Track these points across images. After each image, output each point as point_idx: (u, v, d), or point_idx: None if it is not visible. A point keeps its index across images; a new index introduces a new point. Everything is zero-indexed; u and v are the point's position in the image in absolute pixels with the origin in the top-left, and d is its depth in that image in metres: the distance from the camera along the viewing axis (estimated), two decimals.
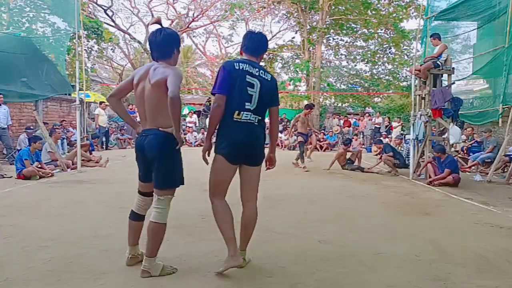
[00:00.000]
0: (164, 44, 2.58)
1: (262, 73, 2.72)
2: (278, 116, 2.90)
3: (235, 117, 2.61)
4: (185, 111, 20.64)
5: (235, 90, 2.60)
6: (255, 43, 2.82)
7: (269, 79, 2.74)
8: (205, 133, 14.81)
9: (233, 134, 2.63)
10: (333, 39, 22.08)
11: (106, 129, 14.03)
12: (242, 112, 2.61)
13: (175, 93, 2.36)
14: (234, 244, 2.63)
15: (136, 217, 2.76)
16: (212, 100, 2.65)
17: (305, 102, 20.00)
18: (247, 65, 2.68)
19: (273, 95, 2.79)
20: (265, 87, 2.70)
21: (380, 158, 8.73)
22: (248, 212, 2.76)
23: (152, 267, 2.61)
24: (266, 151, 2.85)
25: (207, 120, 2.68)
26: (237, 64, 2.66)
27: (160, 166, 2.55)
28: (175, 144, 2.55)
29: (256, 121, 2.67)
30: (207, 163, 2.69)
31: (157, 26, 2.64)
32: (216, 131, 2.70)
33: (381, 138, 9.86)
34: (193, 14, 23.41)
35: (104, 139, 13.81)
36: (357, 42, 21.96)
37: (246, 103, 2.62)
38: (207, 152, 2.70)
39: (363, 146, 14.74)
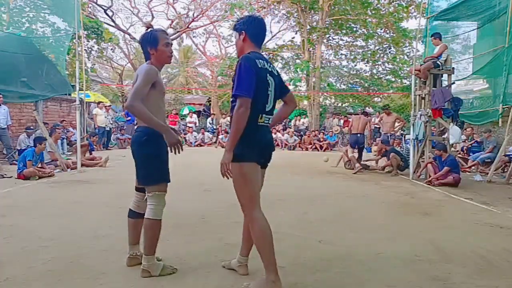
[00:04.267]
0: (141, 47, 2.75)
1: (272, 67, 2.49)
2: (295, 104, 2.70)
3: (259, 121, 2.39)
4: (185, 111, 20.65)
5: (259, 92, 2.34)
6: (264, 31, 2.54)
7: (277, 73, 2.52)
8: (206, 132, 14.85)
9: (259, 138, 2.41)
10: (333, 39, 22.10)
11: (106, 129, 14.04)
12: (263, 115, 2.41)
13: (129, 102, 2.47)
14: (276, 268, 2.36)
15: (134, 215, 2.78)
16: (237, 103, 2.29)
17: (305, 102, 20.05)
18: (264, 61, 2.42)
19: (282, 87, 2.57)
20: (277, 84, 2.49)
21: (388, 158, 8.74)
22: None
23: (152, 266, 2.62)
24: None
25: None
26: (258, 61, 2.37)
27: (136, 163, 2.65)
28: (153, 141, 2.57)
29: (270, 122, 2.51)
30: (229, 176, 2.34)
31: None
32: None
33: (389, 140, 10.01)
34: (193, 14, 23.42)
35: (105, 139, 13.82)
36: (357, 41, 21.97)
37: (266, 105, 2.43)
38: (229, 164, 2.32)
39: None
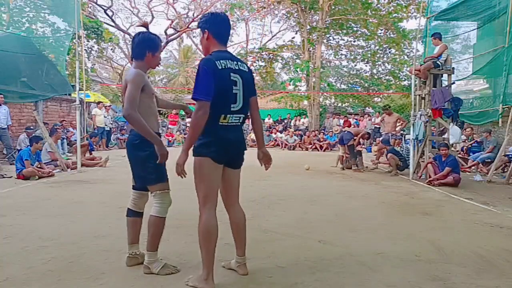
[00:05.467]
0: (138, 45, 2.68)
1: (240, 65, 2.45)
2: (258, 109, 2.64)
3: (220, 121, 2.37)
4: None
5: (220, 93, 2.34)
6: (227, 29, 2.50)
7: (247, 70, 2.49)
8: None
9: (219, 134, 2.39)
10: (333, 39, 22.09)
11: (106, 129, 14.04)
12: (228, 116, 2.38)
13: (126, 111, 2.48)
14: (211, 268, 2.43)
15: (132, 214, 2.80)
16: (196, 106, 2.31)
17: (305, 102, 20.05)
18: (228, 60, 2.39)
19: (252, 86, 2.54)
20: (246, 81, 2.45)
21: (386, 156, 8.75)
22: (237, 215, 2.63)
23: (152, 262, 2.64)
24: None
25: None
26: (219, 62, 2.34)
27: (131, 165, 2.71)
28: (146, 143, 2.57)
29: (240, 121, 2.48)
30: (184, 176, 2.40)
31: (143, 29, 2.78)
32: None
33: (390, 140, 10.08)
34: (193, 14, 23.43)
35: (105, 139, 13.81)
36: (357, 42, 21.97)
37: (232, 105, 2.39)
38: (183, 165, 2.36)
39: (363, 146, 14.72)
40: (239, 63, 2.46)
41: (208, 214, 2.43)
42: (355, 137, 8.98)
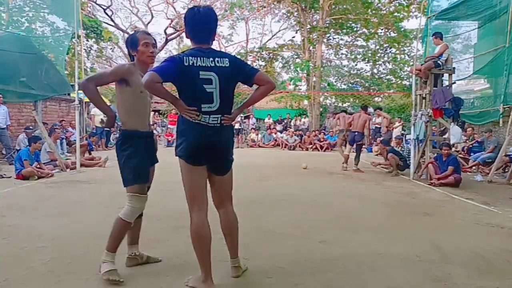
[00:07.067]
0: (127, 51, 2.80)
1: (218, 61, 2.27)
2: (269, 82, 2.35)
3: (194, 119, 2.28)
4: None
5: (188, 90, 2.25)
6: (203, 25, 2.31)
7: (227, 65, 2.28)
8: None
9: (191, 133, 2.28)
10: (334, 38, 22.09)
11: (105, 129, 14.01)
12: (200, 115, 2.26)
13: (83, 81, 2.56)
14: (208, 270, 2.37)
15: None
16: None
17: (305, 102, 20.06)
18: (199, 58, 2.23)
19: (240, 75, 2.35)
20: (225, 78, 2.28)
21: (387, 157, 8.72)
22: (227, 217, 2.54)
23: (103, 263, 2.52)
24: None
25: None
26: (187, 58, 2.21)
27: (119, 165, 2.69)
28: (126, 144, 2.60)
29: (218, 121, 2.31)
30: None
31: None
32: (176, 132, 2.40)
33: (388, 140, 10.06)
34: None
35: (104, 139, 13.80)
36: (357, 41, 21.97)
37: (203, 105, 2.25)
38: (182, 106, 2.26)
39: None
40: (217, 59, 2.27)
41: (197, 217, 2.35)
42: (364, 133, 8.87)
